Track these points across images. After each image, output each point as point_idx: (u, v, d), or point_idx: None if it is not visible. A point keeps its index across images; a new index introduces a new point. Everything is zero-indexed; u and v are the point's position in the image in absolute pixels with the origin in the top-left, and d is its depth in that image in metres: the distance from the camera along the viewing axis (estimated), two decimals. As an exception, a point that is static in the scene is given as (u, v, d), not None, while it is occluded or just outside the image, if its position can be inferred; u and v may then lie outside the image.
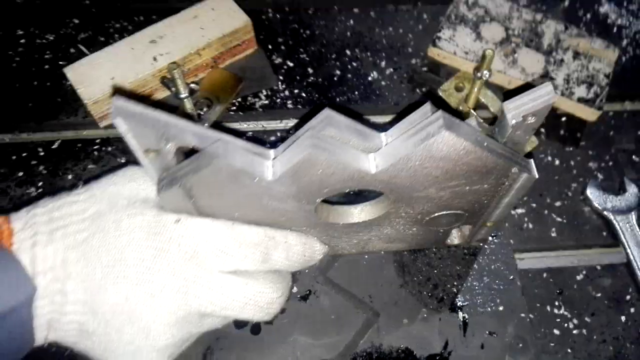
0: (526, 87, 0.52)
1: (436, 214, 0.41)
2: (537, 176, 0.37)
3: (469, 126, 0.33)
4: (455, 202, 0.39)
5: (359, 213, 0.40)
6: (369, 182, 0.34)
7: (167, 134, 0.32)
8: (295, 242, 0.40)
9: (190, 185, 0.34)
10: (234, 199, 0.35)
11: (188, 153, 0.35)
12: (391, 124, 0.37)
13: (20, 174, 0.55)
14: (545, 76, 0.55)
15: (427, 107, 0.34)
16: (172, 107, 0.57)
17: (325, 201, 0.38)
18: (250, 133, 0.57)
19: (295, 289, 0.47)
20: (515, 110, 0.32)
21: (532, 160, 0.37)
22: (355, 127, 0.34)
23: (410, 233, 0.44)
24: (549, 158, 0.56)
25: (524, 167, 0.36)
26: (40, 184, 0.54)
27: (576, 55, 0.57)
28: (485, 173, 0.35)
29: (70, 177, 0.55)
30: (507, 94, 0.57)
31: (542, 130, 0.57)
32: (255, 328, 0.45)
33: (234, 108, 0.59)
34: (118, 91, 0.36)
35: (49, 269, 0.34)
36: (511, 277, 0.48)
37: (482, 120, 0.42)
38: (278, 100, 0.60)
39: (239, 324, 0.45)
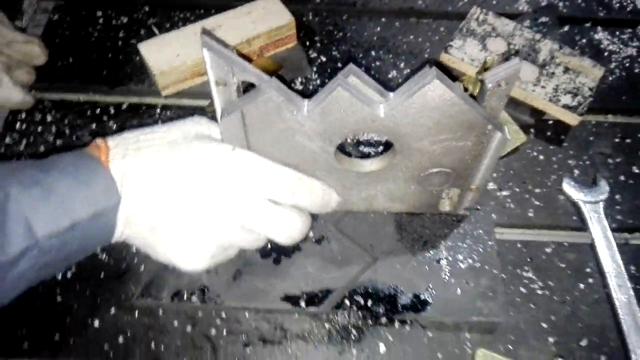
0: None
1: (429, 171, 0.51)
2: (508, 137, 0.47)
3: (456, 86, 0.44)
4: (445, 158, 0.49)
5: (369, 164, 0.51)
6: (378, 126, 0.44)
7: (235, 70, 0.43)
8: (317, 187, 0.51)
9: (245, 114, 0.44)
10: (275, 134, 0.46)
11: (245, 91, 0.46)
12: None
13: (94, 126, 0.67)
14: (511, 55, 0.66)
15: (427, 68, 0.44)
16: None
17: (344, 153, 0.49)
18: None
19: (311, 234, 0.57)
20: (492, 77, 0.43)
21: (504, 126, 0.47)
22: (372, 82, 0.45)
23: (409, 192, 0.54)
24: (535, 153, 0.66)
25: (498, 127, 0.46)
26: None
27: (566, 70, 0.67)
28: (468, 128, 0.46)
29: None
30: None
31: (532, 130, 0.67)
32: (277, 260, 0.56)
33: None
34: (206, 32, 0.49)
35: (134, 175, 0.45)
36: (489, 242, 0.57)
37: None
38: (310, 87, 0.71)
39: (264, 254, 0.56)
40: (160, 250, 0.47)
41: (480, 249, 0.57)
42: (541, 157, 0.65)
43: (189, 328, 0.54)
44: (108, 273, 0.56)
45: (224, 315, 0.54)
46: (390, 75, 0.72)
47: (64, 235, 0.41)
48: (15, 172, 0.41)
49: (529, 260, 0.58)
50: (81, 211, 0.42)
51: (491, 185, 0.63)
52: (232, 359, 0.52)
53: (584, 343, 0.53)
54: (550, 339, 0.54)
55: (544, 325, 0.54)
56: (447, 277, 0.55)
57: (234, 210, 0.46)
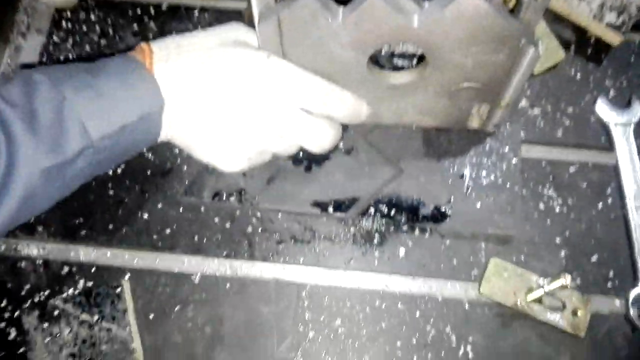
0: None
1: (460, 85, 0.52)
2: (541, 53, 0.47)
3: None
4: (476, 72, 0.50)
5: (401, 76, 0.52)
6: (411, 36, 0.45)
7: None
8: (349, 97, 0.52)
9: (281, 20, 0.46)
10: (310, 43, 0.47)
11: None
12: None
13: (135, 26, 0.69)
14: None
15: None
16: None
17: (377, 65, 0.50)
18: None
19: (341, 144, 0.60)
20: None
21: (539, 40, 0.47)
22: None
23: (439, 106, 0.55)
24: (572, 71, 0.65)
25: (531, 41, 0.46)
26: (150, 37, 0.68)
27: (616, -17, 0.64)
28: (501, 42, 0.46)
29: (174, 33, 0.68)
30: (549, 11, 0.66)
31: (572, 46, 0.66)
32: (308, 167, 0.59)
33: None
34: None
35: (176, 79, 0.47)
36: (514, 159, 0.59)
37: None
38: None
39: (296, 161, 0.59)
40: (201, 151, 0.51)
41: (504, 166, 0.59)
42: (578, 75, 0.65)
43: (228, 224, 0.59)
44: (154, 170, 0.61)
45: (259, 215, 0.59)
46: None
47: (115, 136, 0.45)
48: (70, 76, 0.44)
49: (551, 178, 0.60)
50: (130, 114, 0.46)
51: (523, 103, 0.63)
52: (265, 254, 0.58)
53: (594, 258, 0.57)
54: (562, 253, 0.57)
55: (557, 239, 0.58)
56: (468, 191, 0.58)
57: (267, 116, 0.49)
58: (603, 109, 0.62)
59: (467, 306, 0.56)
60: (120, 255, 0.58)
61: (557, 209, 0.59)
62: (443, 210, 0.57)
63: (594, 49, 0.66)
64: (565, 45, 0.65)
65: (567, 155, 0.61)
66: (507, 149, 0.60)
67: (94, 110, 0.43)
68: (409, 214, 0.57)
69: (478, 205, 0.57)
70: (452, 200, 0.58)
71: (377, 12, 0.44)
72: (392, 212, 0.58)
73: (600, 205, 0.59)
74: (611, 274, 0.56)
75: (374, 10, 0.43)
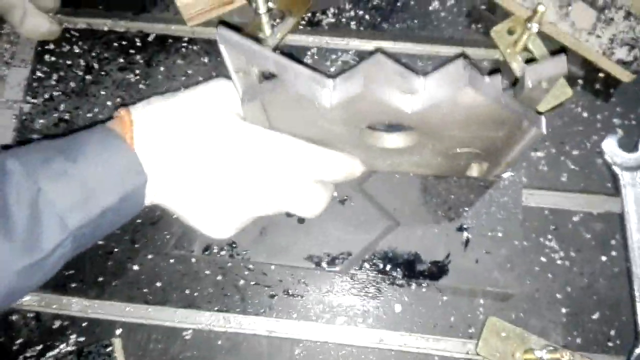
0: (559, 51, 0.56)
1: (458, 150, 0.49)
2: (544, 132, 0.44)
3: (490, 84, 0.41)
4: (475, 142, 0.47)
5: (395, 141, 0.49)
6: (405, 118, 0.42)
7: (254, 60, 0.41)
8: (342, 159, 0.50)
9: (266, 102, 0.43)
10: (297, 118, 0.45)
11: (268, 77, 0.44)
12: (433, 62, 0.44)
13: (121, 60, 0.66)
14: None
15: (460, 62, 0.41)
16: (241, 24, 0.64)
17: (369, 127, 0.47)
18: (315, 49, 0.65)
19: (335, 194, 0.58)
20: (534, 75, 0.39)
21: (542, 117, 0.44)
22: (400, 71, 0.42)
23: (435, 162, 0.53)
24: (579, 109, 0.62)
25: (534, 122, 0.44)
26: (137, 71, 0.65)
27: (627, 15, 0.59)
28: (500, 123, 0.43)
29: (162, 69, 0.65)
30: (555, 43, 0.62)
31: (580, 81, 0.62)
32: (301, 219, 0.57)
33: (303, 23, 0.66)
34: (222, 23, 0.44)
35: (160, 152, 0.45)
36: (515, 210, 0.57)
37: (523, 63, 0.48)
38: (343, 19, 0.66)
39: (289, 214, 0.57)
40: (187, 218, 0.49)
41: (505, 218, 0.57)
42: (585, 114, 0.62)
43: (219, 277, 0.58)
44: (144, 219, 0.59)
45: (251, 266, 0.58)
46: (431, 7, 0.66)
47: (95, 221, 0.43)
48: (45, 161, 0.42)
49: (553, 228, 0.58)
50: (110, 197, 0.44)
51: (526, 144, 0.61)
52: (258, 308, 0.57)
53: (595, 316, 0.55)
54: (563, 310, 0.56)
55: (559, 295, 0.56)
56: (467, 246, 0.56)
57: (255, 187, 0.47)
58: (610, 152, 0.60)
59: (463, 365, 0.55)
60: (111, 308, 0.57)
61: (559, 262, 0.57)
62: (441, 265, 0.56)
63: (602, 85, 0.62)
64: (573, 80, 0.62)
65: (571, 202, 0.59)
66: (507, 199, 0.57)
67: (73, 201, 0.41)
68: (405, 270, 0.56)
69: (477, 261, 0.56)
70: (449, 255, 0.56)
71: (367, 101, 0.41)
72: (388, 267, 0.56)
73: (604, 258, 0.57)
74: (612, 332, 0.55)
75: (363, 101, 0.41)
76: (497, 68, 0.46)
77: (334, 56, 0.65)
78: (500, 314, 0.55)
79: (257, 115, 0.46)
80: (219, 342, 0.56)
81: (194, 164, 0.46)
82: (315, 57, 0.65)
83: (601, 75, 0.62)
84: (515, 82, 0.46)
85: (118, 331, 0.57)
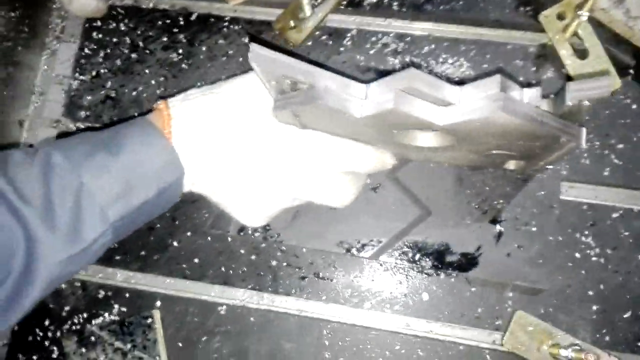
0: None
1: (494, 152, 0.49)
2: (584, 145, 0.43)
3: (527, 104, 0.40)
4: (512, 148, 0.46)
5: (427, 139, 0.49)
6: (437, 128, 0.42)
7: (285, 73, 0.41)
8: (373, 153, 0.50)
9: (296, 111, 0.44)
10: (328, 121, 0.45)
11: (298, 87, 0.44)
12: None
13: (165, 39, 0.67)
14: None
15: (497, 79, 0.40)
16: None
17: None
18: (355, 30, 0.64)
19: (368, 181, 0.58)
20: (575, 93, 0.38)
21: (583, 130, 0.43)
22: (434, 82, 0.41)
23: (471, 158, 0.52)
24: (628, 100, 0.59)
25: (573, 137, 0.42)
26: (180, 50, 0.66)
27: (691, 3, 0.56)
28: (537, 137, 0.42)
29: (204, 48, 0.66)
30: (608, 31, 0.59)
31: (631, 71, 0.59)
32: (333, 204, 0.58)
33: (344, 2, 0.65)
34: (254, 39, 0.44)
35: (197, 147, 0.46)
36: (552, 204, 0.56)
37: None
38: (385, 0, 0.65)
39: (320, 201, 0.58)
40: (222, 207, 0.51)
41: (540, 212, 0.56)
42: (634, 106, 0.59)
43: (253, 257, 0.60)
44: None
45: (284, 248, 0.60)
46: (478, -10, 0.64)
47: (134, 213, 0.46)
48: (88, 155, 0.44)
49: (591, 224, 0.57)
50: (149, 190, 0.45)
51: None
52: (289, 289, 0.59)
53: (627, 315, 0.55)
54: (594, 307, 0.55)
55: (590, 293, 0.55)
56: (499, 239, 0.56)
57: (290, 181, 0.48)
58: (659, 147, 0.57)
59: (488, 357, 0.55)
60: (152, 281, 0.61)
61: (594, 259, 0.56)
62: (471, 257, 0.56)
63: (656, 76, 0.59)
64: (623, 70, 0.59)
65: (612, 197, 0.57)
66: (544, 193, 0.56)
67: (113, 194, 0.43)
68: (435, 261, 0.56)
69: (508, 255, 0.55)
70: (480, 247, 0.56)
71: (398, 114, 0.40)
72: (417, 257, 0.57)
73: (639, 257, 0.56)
74: (643, 332, 0.54)
75: (394, 114, 0.40)
76: (538, 81, 0.43)
77: (374, 38, 0.64)
78: (528, 308, 0.55)
79: (289, 119, 0.46)
80: (252, 319, 0.59)
81: (228, 158, 0.47)
82: (355, 39, 0.64)
83: (656, 64, 0.59)
84: (560, 89, 0.44)
85: (158, 303, 0.60)
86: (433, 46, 0.63)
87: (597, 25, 0.58)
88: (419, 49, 0.63)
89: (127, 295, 0.61)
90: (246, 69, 0.63)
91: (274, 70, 0.41)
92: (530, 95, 0.41)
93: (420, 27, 0.63)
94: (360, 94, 0.42)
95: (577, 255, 0.56)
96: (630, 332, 0.54)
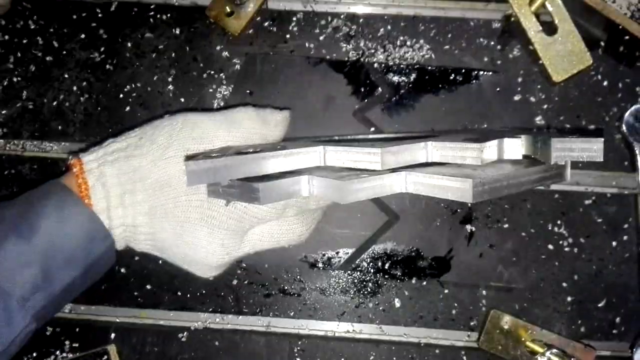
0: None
1: None
2: (569, 179, 0.39)
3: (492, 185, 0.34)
4: None
5: None
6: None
7: (231, 176, 0.36)
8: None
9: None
10: None
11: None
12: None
13: (83, 36, 0.58)
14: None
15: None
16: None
17: None
18: (301, 14, 0.57)
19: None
20: (560, 153, 0.34)
21: (568, 169, 0.38)
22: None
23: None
24: (599, 77, 0.55)
25: (558, 178, 0.38)
26: (102, 49, 0.58)
27: (664, -32, 0.51)
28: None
29: (129, 45, 0.58)
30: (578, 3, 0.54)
31: (602, 44, 0.55)
32: (293, 216, 0.54)
33: (287, -19, 0.57)
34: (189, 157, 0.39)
35: (121, 211, 0.40)
36: (524, 199, 0.53)
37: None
38: None
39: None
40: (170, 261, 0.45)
41: (512, 207, 0.53)
42: (605, 82, 0.55)
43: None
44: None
45: (244, 265, 0.55)
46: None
47: (58, 298, 0.40)
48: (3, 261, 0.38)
49: (562, 213, 0.54)
50: (73, 271, 0.40)
51: (538, 120, 0.55)
52: (254, 308, 0.55)
53: (601, 304, 0.54)
54: (568, 298, 0.54)
55: (564, 284, 0.54)
56: (470, 240, 0.53)
57: (235, 237, 0.43)
58: (629, 124, 0.54)
59: (465, 357, 0.54)
60: (103, 312, 0.56)
61: (567, 249, 0.54)
62: (442, 261, 0.53)
63: (627, 50, 0.55)
64: (594, 44, 0.55)
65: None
66: (515, 186, 0.53)
67: (30, 287, 0.38)
68: (405, 268, 0.53)
69: (480, 255, 0.53)
70: (452, 250, 0.53)
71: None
72: (387, 266, 0.53)
73: (614, 243, 0.54)
74: (618, 319, 0.53)
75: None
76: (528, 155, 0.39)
77: (323, 21, 0.57)
78: (503, 305, 0.53)
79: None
80: (216, 343, 0.55)
81: (164, 217, 0.41)
82: (302, 23, 0.57)
83: (627, 38, 0.55)
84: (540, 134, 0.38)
85: (112, 336, 0.55)
86: (389, 27, 0.56)
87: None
88: (373, 32, 0.56)
89: (77, 329, 0.56)
90: (181, 68, 0.56)
91: (219, 180, 0.36)
92: (510, 147, 0.37)
93: (373, 4, 0.57)
94: (302, 189, 0.37)
95: (550, 247, 0.54)
96: (605, 320, 0.54)
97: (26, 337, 0.39)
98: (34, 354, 0.56)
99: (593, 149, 0.34)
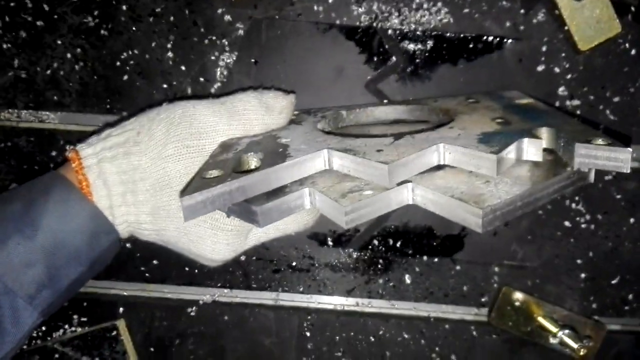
0: None
1: None
2: (592, 181, 0.36)
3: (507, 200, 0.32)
4: None
5: None
6: None
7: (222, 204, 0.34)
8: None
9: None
10: None
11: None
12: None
13: (74, -3, 0.54)
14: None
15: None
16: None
17: None
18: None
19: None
20: (584, 160, 0.32)
21: (592, 174, 0.36)
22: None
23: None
24: (627, 45, 0.51)
25: (581, 182, 0.36)
26: (96, 12, 0.54)
27: None
28: None
29: (124, 7, 0.54)
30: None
31: (632, 9, 0.51)
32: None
33: None
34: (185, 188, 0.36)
35: (125, 202, 0.39)
36: (541, 175, 0.51)
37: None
38: None
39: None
40: (182, 251, 0.44)
41: (529, 185, 0.51)
42: (633, 51, 0.52)
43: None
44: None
45: (251, 241, 0.54)
46: None
47: (64, 293, 0.39)
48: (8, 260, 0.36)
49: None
50: (79, 267, 0.38)
51: (561, 90, 0.52)
52: (262, 284, 0.55)
53: (615, 281, 0.53)
54: (582, 275, 0.53)
55: (579, 261, 0.53)
56: (485, 218, 0.51)
57: (240, 229, 0.41)
58: (657, 96, 0.51)
59: (474, 332, 0.54)
60: (111, 287, 0.55)
61: (584, 226, 0.53)
62: (455, 239, 0.52)
63: (660, 14, 0.51)
64: (623, 10, 0.51)
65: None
66: (534, 162, 0.51)
67: (35, 286, 0.36)
68: (417, 246, 0.52)
69: (495, 234, 0.51)
70: (466, 228, 0.51)
71: None
72: (398, 244, 0.52)
73: (632, 220, 0.53)
74: (630, 296, 0.53)
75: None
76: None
77: None
78: (516, 281, 0.53)
79: None
80: (226, 317, 0.55)
81: (167, 217, 0.39)
82: (309, -17, 0.53)
83: (660, 1, 0.51)
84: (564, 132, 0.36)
85: (120, 310, 0.55)
86: (404, -12, 0.52)
87: (597, -44, 0.49)
88: (387, -7, 0.52)
89: (85, 304, 0.56)
90: (180, 33, 0.53)
91: (218, 208, 0.34)
92: (532, 150, 0.34)
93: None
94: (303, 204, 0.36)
95: (567, 224, 0.53)
96: (618, 297, 0.53)
97: (33, 329, 0.39)
98: (43, 328, 0.56)
99: (620, 158, 0.31)
